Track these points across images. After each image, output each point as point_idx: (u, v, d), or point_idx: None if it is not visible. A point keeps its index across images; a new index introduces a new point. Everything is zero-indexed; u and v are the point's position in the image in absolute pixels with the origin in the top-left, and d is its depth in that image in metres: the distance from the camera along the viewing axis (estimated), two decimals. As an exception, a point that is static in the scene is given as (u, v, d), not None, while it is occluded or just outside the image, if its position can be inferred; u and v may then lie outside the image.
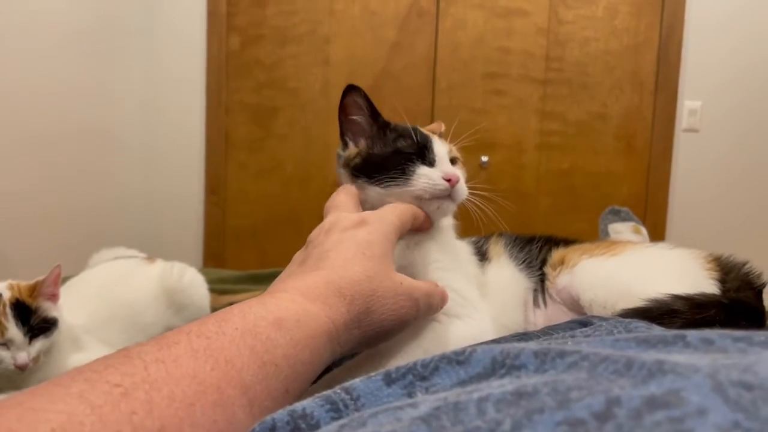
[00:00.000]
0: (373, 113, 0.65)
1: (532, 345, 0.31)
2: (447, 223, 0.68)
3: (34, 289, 0.74)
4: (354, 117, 0.65)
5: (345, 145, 0.66)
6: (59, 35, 2.02)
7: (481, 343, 0.37)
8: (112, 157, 2.40)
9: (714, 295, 0.59)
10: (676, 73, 2.46)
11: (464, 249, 0.72)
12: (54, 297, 0.76)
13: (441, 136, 0.72)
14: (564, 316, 0.67)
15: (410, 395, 0.30)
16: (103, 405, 0.27)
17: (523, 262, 0.72)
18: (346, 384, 0.32)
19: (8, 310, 0.70)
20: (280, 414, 0.29)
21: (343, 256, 0.45)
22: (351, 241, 0.47)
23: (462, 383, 0.30)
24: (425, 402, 0.26)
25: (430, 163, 0.62)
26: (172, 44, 2.55)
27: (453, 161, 0.65)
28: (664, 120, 2.49)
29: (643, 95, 2.50)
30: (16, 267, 1.76)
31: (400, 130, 0.65)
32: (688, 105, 2.46)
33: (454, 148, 0.68)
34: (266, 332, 0.35)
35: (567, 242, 0.74)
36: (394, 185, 0.60)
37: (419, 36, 2.51)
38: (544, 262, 0.72)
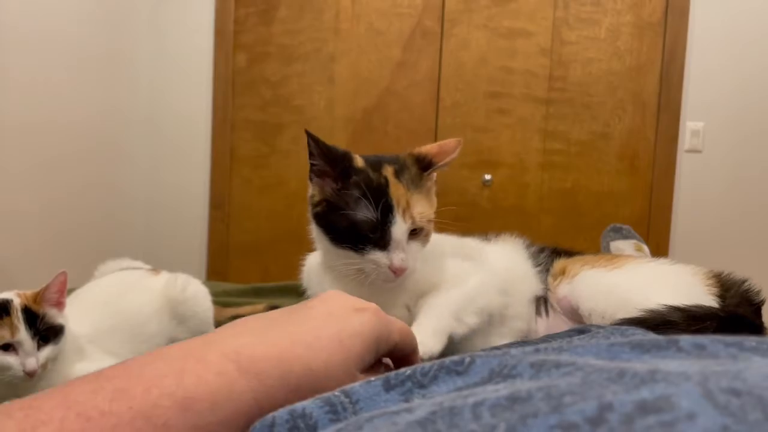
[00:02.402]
0: (330, 158, 0.66)
1: (529, 356, 0.32)
2: None
3: (39, 295, 0.75)
4: (314, 162, 0.67)
5: (311, 181, 0.70)
6: (68, 53, 2.06)
7: (480, 353, 0.38)
8: (119, 171, 2.43)
9: (710, 307, 0.59)
10: (678, 94, 2.48)
11: (444, 238, 0.74)
12: (60, 305, 0.76)
13: (445, 164, 0.70)
14: (564, 326, 0.68)
15: (407, 401, 0.31)
16: None
17: (539, 265, 0.75)
18: (347, 387, 0.32)
19: (19, 314, 0.71)
20: (281, 412, 0.30)
21: (319, 333, 0.38)
22: (338, 321, 0.39)
23: (459, 390, 0.30)
24: (421, 407, 0.27)
25: (384, 245, 0.62)
26: (179, 61, 2.59)
27: (417, 231, 0.65)
28: (666, 140, 2.50)
29: (646, 116, 2.52)
30: (25, 280, 1.77)
31: (364, 185, 0.63)
32: (691, 126, 2.47)
33: (421, 216, 0.65)
34: (166, 416, 0.30)
35: (569, 253, 0.75)
36: (343, 250, 0.64)
37: (423, 55, 2.54)
38: (546, 272, 0.73)
